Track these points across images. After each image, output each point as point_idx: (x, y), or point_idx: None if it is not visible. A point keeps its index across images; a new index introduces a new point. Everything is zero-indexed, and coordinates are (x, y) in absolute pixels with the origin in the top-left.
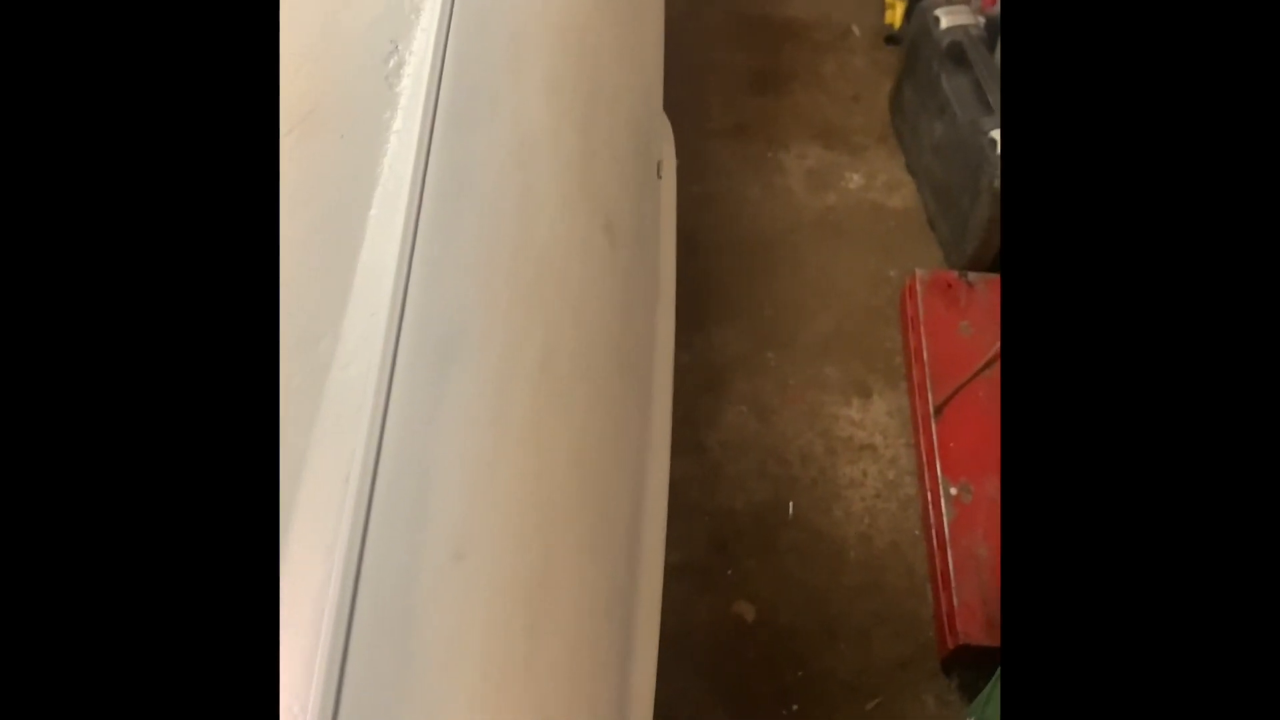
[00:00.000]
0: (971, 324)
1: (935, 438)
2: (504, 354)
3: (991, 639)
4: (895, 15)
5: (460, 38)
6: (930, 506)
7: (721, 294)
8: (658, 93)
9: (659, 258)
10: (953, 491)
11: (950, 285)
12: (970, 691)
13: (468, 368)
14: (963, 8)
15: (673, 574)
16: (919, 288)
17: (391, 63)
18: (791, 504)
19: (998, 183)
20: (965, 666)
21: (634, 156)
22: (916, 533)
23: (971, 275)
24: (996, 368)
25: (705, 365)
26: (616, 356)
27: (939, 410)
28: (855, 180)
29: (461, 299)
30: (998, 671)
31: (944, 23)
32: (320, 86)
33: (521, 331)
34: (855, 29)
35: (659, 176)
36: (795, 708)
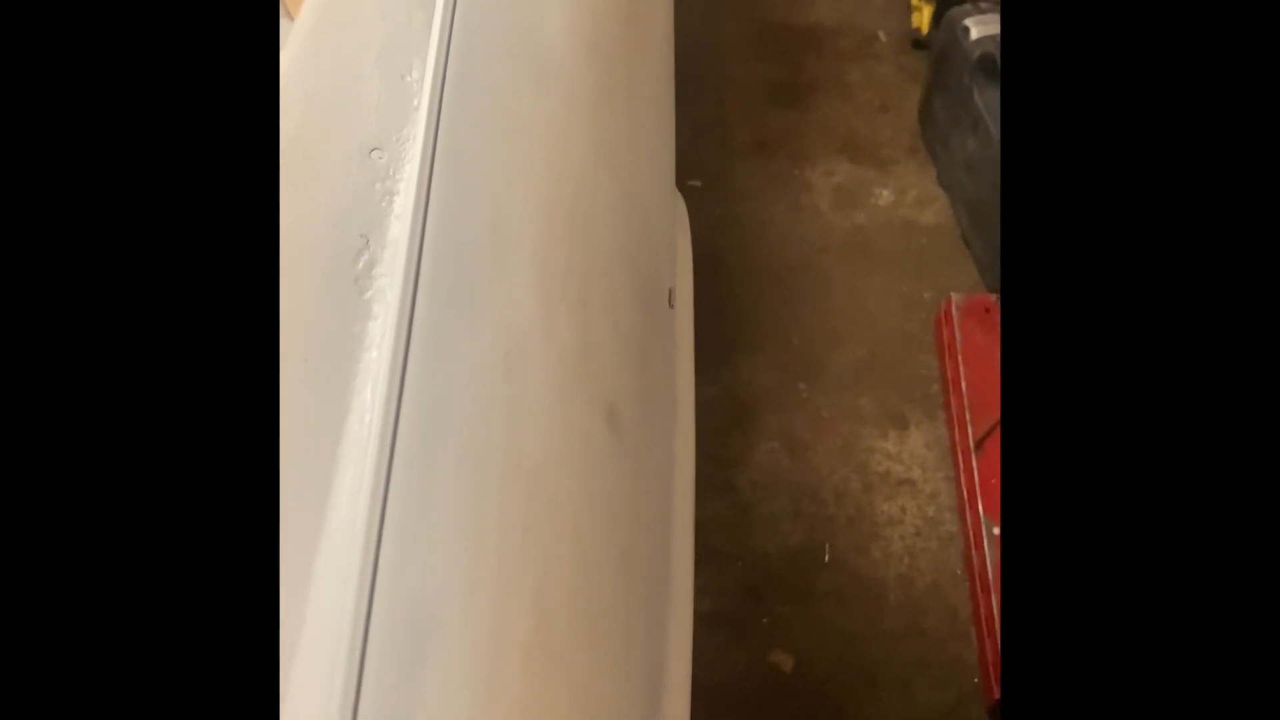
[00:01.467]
0: None
1: (976, 473)
2: (490, 625)
3: None
4: (922, 19)
5: (438, 226)
6: (972, 546)
7: (747, 321)
8: (669, 184)
9: (676, 397)
10: (995, 531)
11: (988, 309)
12: None
13: (448, 650)
14: (993, 17)
15: (705, 624)
16: (955, 312)
17: (362, 261)
18: (828, 546)
19: None
20: None
21: (639, 313)
22: (959, 572)
23: None
24: None
25: (732, 399)
26: (624, 566)
27: (979, 444)
28: (885, 196)
29: (441, 563)
30: None
31: (974, 33)
32: (283, 302)
33: (513, 587)
34: (881, 34)
35: (671, 306)
36: None
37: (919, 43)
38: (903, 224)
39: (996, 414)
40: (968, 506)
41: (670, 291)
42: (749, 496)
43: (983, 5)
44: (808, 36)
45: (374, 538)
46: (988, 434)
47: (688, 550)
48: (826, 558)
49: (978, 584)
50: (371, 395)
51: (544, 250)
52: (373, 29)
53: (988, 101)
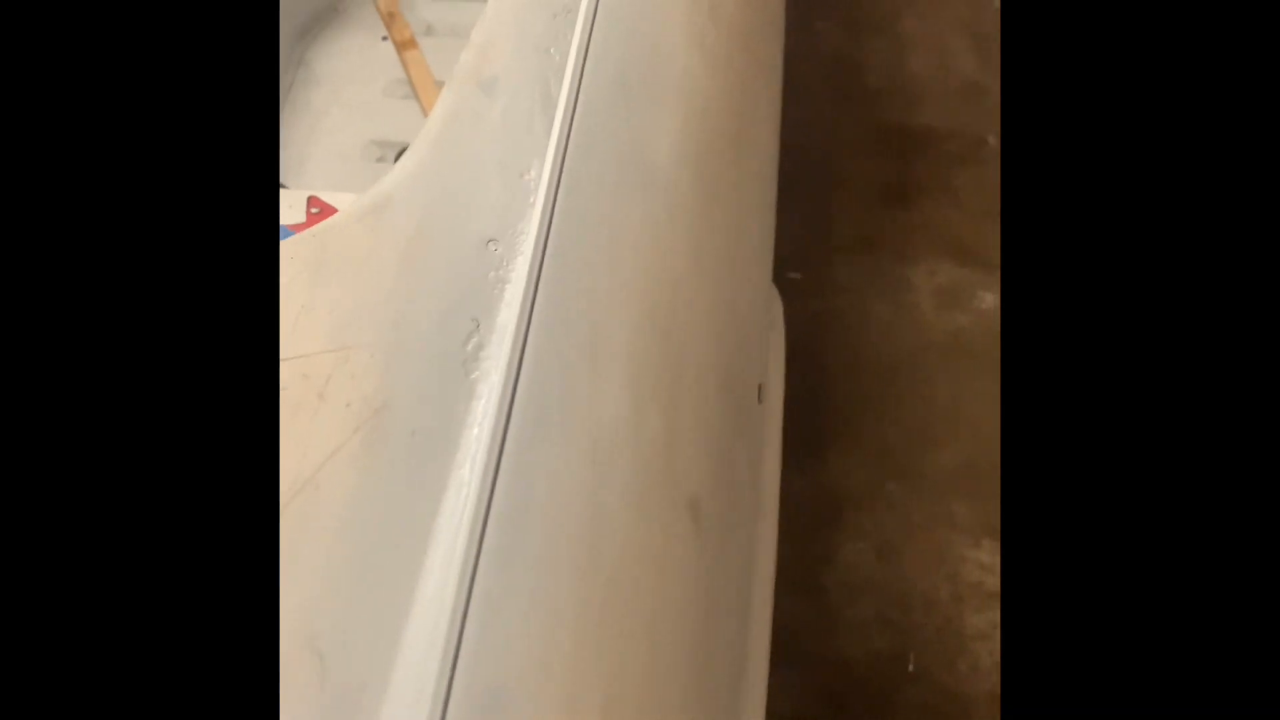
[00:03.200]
0: None
1: None
2: (560, 717)
3: None
4: None
5: (543, 317)
6: None
7: (841, 417)
8: (766, 279)
9: (761, 491)
10: None
11: None
12: None
13: None
14: None
15: None
16: None
17: (471, 344)
18: (912, 656)
19: None
20: None
21: (727, 410)
22: None
23: None
24: None
25: (822, 495)
26: (698, 665)
27: None
28: (989, 300)
29: (519, 648)
30: None
31: None
32: (396, 377)
33: (585, 682)
34: (991, 139)
35: (760, 402)
36: None
37: None
38: None
39: None
40: None
41: (760, 388)
42: (835, 598)
43: None
44: (916, 137)
45: (460, 614)
46: None
47: (764, 646)
48: (910, 668)
49: None
50: (470, 471)
51: (637, 348)
52: (496, 132)
53: None
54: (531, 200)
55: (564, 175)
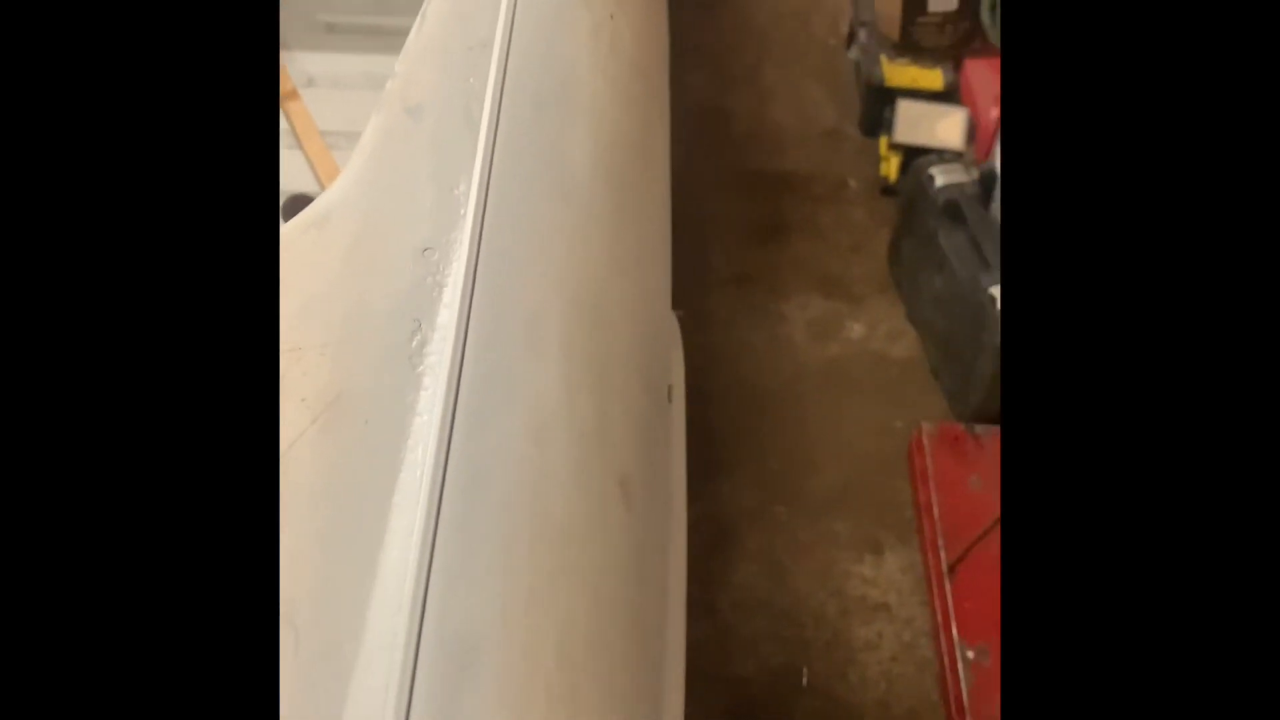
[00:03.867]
0: (981, 478)
1: (950, 598)
2: (520, 662)
3: None
4: (890, 168)
5: (480, 315)
6: (948, 671)
7: (727, 445)
8: (667, 303)
9: (670, 482)
10: (970, 655)
11: (958, 438)
12: None
13: (484, 682)
14: (956, 166)
15: None
16: (926, 441)
17: (415, 341)
18: (805, 670)
19: (999, 339)
20: None
21: (646, 400)
22: (935, 698)
23: (979, 428)
24: None
25: (714, 520)
26: (633, 624)
27: (952, 569)
28: (857, 330)
29: (479, 603)
30: None
31: (939, 181)
32: (346, 372)
33: (539, 631)
34: (852, 181)
35: (669, 401)
36: None
37: (887, 189)
38: (874, 356)
39: (968, 539)
40: (942, 631)
41: (669, 388)
42: (730, 617)
43: (946, 156)
44: (783, 181)
45: (424, 574)
46: (960, 559)
47: (680, 624)
48: (804, 681)
49: (953, 708)
50: (422, 453)
51: (568, 339)
52: (425, 152)
53: (953, 243)
54: (462, 212)
55: (491, 188)
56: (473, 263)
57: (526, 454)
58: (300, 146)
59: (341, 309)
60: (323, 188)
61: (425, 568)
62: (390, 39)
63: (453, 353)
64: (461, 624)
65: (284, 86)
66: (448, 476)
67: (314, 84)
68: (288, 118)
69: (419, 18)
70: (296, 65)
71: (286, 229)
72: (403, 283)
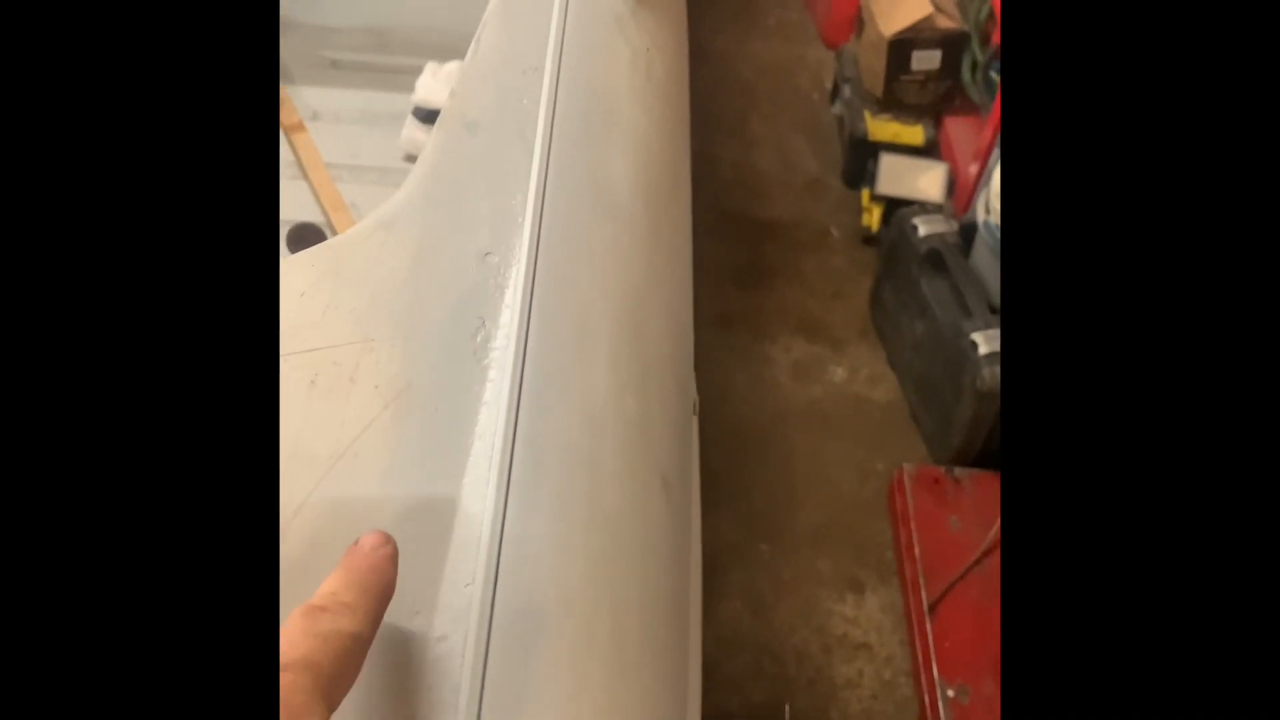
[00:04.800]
0: (960, 519)
1: (930, 637)
2: (581, 635)
3: None
4: (872, 219)
5: (538, 315)
6: (928, 709)
7: (711, 481)
8: (690, 335)
9: (692, 490)
10: (950, 693)
11: (938, 480)
12: None
13: (549, 648)
14: (938, 216)
15: None
16: (907, 482)
17: (479, 337)
18: (788, 707)
19: (980, 383)
20: None
21: (679, 407)
22: None
23: (958, 471)
24: (987, 564)
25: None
26: (671, 608)
27: (933, 608)
28: (839, 373)
29: (543, 578)
30: None
31: (922, 230)
32: (415, 363)
33: (595, 609)
34: (834, 230)
35: (694, 414)
36: None
37: (869, 239)
38: (856, 399)
39: (949, 578)
40: (923, 670)
41: (695, 403)
42: (712, 653)
43: (929, 208)
44: (767, 227)
45: (495, 551)
46: (941, 599)
47: (699, 618)
48: (787, 718)
49: None
50: (490, 439)
51: (615, 342)
52: (482, 165)
53: (934, 290)
54: (520, 220)
55: (545, 200)
56: (531, 268)
57: (582, 445)
58: (305, 177)
59: (409, 305)
60: (327, 217)
61: (496, 543)
62: (390, 76)
63: (515, 349)
64: (528, 596)
65: (290, 119)
66: (514, 461)
67: (318, 118)
68: (293, 149)
69: (473, 43)
70: (301, 99)
71: (355, 230)
72: (466, 283)
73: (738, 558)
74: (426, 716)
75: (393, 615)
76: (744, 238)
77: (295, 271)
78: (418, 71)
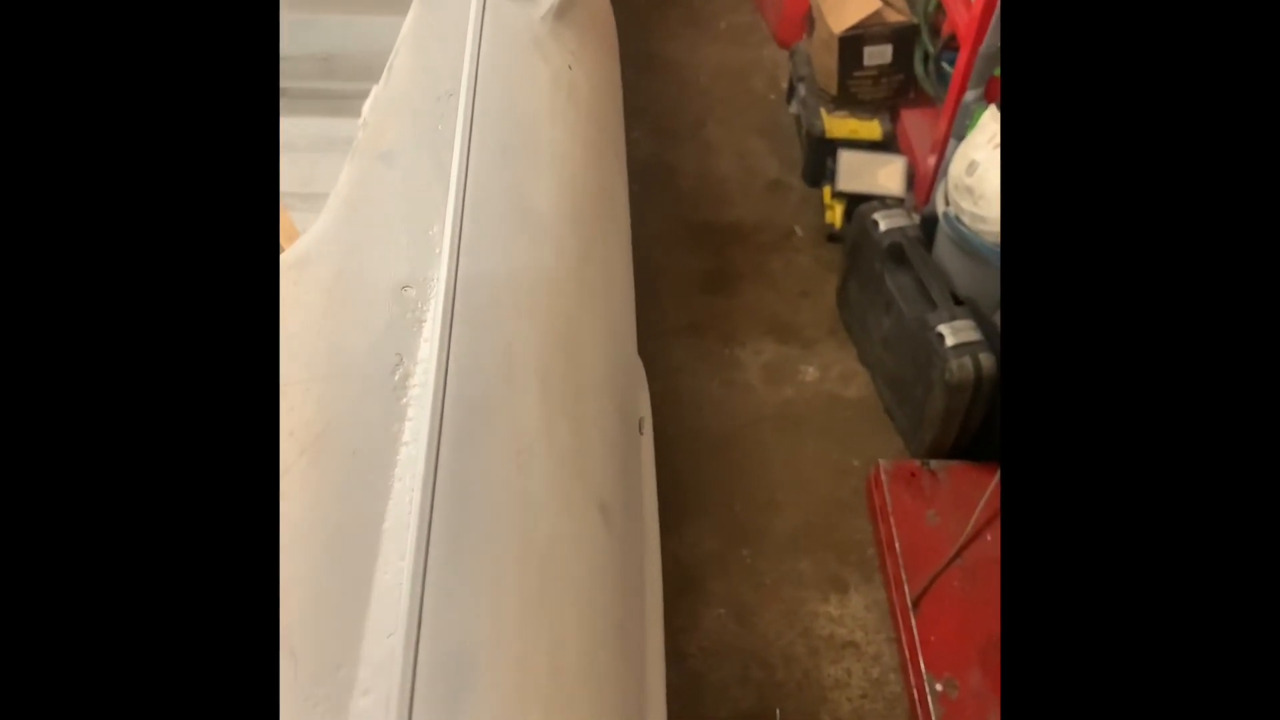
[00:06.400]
0: (938, 512)
1: (916, 632)
2: (514, 676)
3: None
4: (835, 215)
5: (459, 348)
6: (918, 705)
7: (688, 490)
8: (633, 343)
9: (643, 510)
10: (938, 688)
11: (914, 474)
12: None
13: (480, 696)
14: (899, 211)
15: None
16: (884, 478)
17: (398, 374)
18: (779, 711)
19: (948, 375)
20: None
21: (620, 429)
22: None
23: (933, 463)
24: (966, 556)
25: (679, 566)
26: (618, 638)
27: (916, 603)
28: (811, 373)
29: (472, 621)
30: None
31: (882, 226)
32: (331, 405)
33: (531, 645)
34: (798, 229)
35: (640, 433)
36: None
37: (833, 236)
38: (828, 398)
39: (930, 572)
40: (910, 665)
41: (640, 421)
42: (699, 663)
43: (889, 202)
44: (730, 231)
45: (417, 597)
46: (924, 593)
47: (658, 642)
48: None
49: None
50: (410, 481)
51: (544, 369)
52: (399, 195)
53: (898, 284)
54: (438, 251)
55: (464, 229)
56: (450, 298)
57: (510, 478)
58: None
59: (324, 345)
60: (279, 248)
61: (419, 589)
62: (339, 102)
63: (435, 383)
64: (456, 642)
65: None
66: (436, 501)
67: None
68: None
69: (386, 70)
70: None
71: None
72: (383, 318)
73: (719, 566)
74: None
75: (315, 670)
76: (708, 244)
77: None
78: (365, 95)
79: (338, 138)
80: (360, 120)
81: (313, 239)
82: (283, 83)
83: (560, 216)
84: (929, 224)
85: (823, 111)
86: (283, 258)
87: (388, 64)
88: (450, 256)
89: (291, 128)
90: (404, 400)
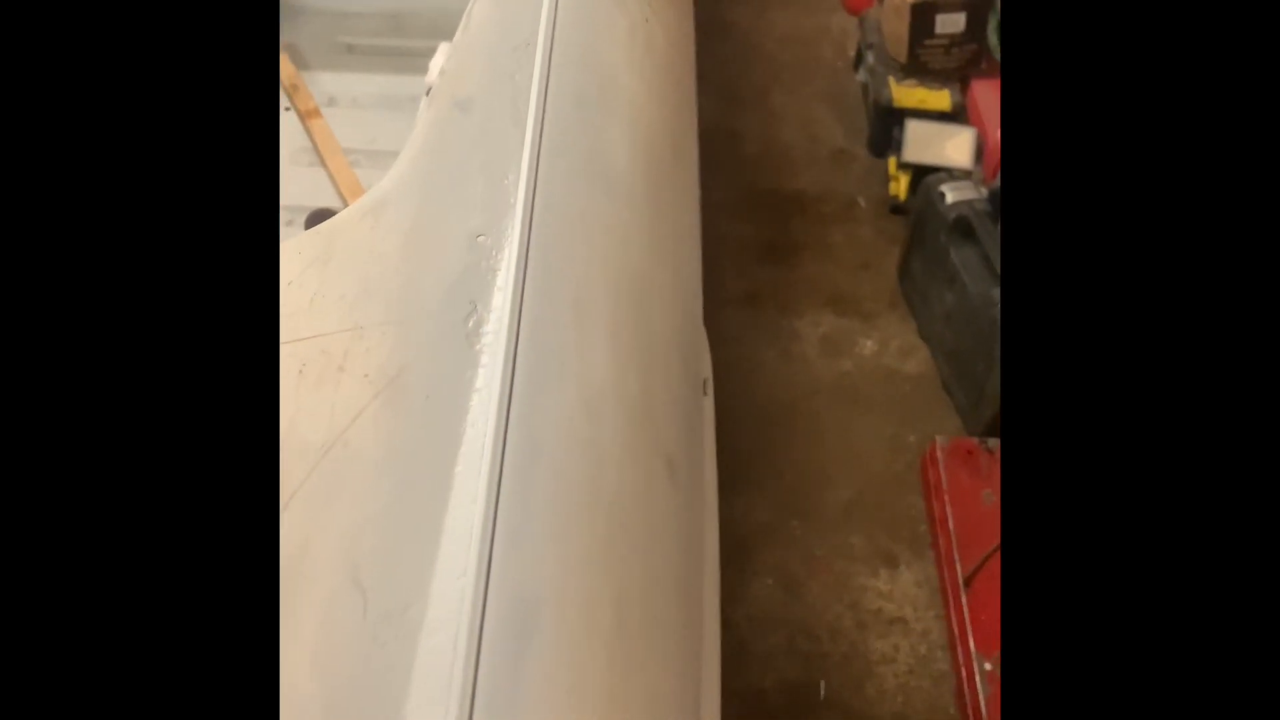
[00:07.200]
0: (994, 492)
1: (966, 610)
2: (581, 623)
3: None
4: (900, 187)
5: (532, 297)
6: (965, 683)
7: (741, 461)
8: (699, 312)
9: (704, 469)
10: (987, 667)
11: (971, 452)
12: None
13: (546, 641)
14: (966, 183)
15: None
16: (940, 455)
17: (471, 321)
18: (823, 683)
19: None
20: None
21: (686, 385)
22: (952, 711)
23: (991, 442)
24: None
25: (728, 535)
26: (679, 593)
27: (968, 582)
28: (869, 346)
29: (540, 568)
30: None
31: (949, 198)
32: (406, 349)
33: (596, 596)
34: (861, 200)
35: (705, 394)
36: None
37: (896, 208)
38: (886, 372)
39: (983, 551)
40: (959, 643)
41: (705, 381)
42: (745, 632)
43: (957, 175)
44: (793, 201)
45: (488, 538)
46: (976, 571)
47: (715, 604)
48: (822, 695)
49: None
50: (483, 427)
51: (615, 321)
52: (475, 143)
53: (963, 259)
54: (512, 200)
55: (539, 179)
56: (524, 248)
57: (580, 428)
58: (322, 163)
59: (400, 290)
60: (344, 203)
61: (489, 532)
62: (406, 59)
63: (508, 332)
64: (524, 586)
65: (307, 105)
66: (507, 447)
67: (335, 103)
68: (310, 135)
69: (464, 18)
70: (318, 85)
71: (344, 215)
72: (458, 266)
73: (769, 537)
74: (421, 705)
75: (385, 608)
76: (769, 213)
77: (282, 260)
78: (432, 53)
79: (404, 95)
80: (428, 75)
81: (390, 184)
82: (350, 39)
83: (635, 170)
84: (997, 198)
85: (891, 80)
86: (360, 202)
87: (466, 12)
88: (525, 206)
89: (358, 84)
90: (477, 347)
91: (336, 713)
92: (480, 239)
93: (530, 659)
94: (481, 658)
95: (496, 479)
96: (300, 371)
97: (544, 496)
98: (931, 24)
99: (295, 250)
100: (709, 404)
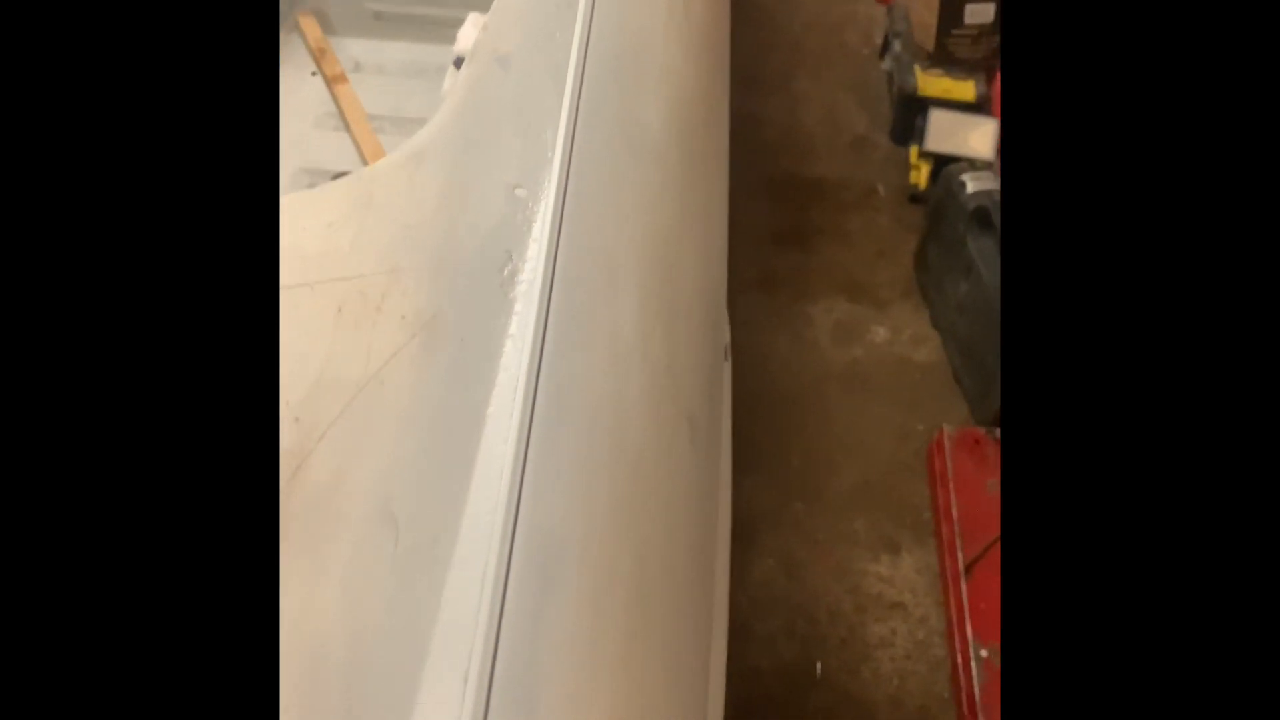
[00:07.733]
0: (999, 481)
1: (965, 598)
2: (604, 567)
3: None
4: (920, 176)
5: (565, 250)
6: (960, 669)
7: (749, 443)
8: (724, 279)
9: (721, 434)
10: (983, 654)
11: (978, 442)
12: None
13: (570, 579)
14: (987, 174)
15: None
16: (947, 444)
17: (506, 270)
18: (820, 664)
19: None
20: None
21: (709, 351)
22: (946, 696)
23: (998, 432)
24: None
25: (733, 516)
26: (695, 549)
27: (968, 569)
28: (881, 334)
29: (565, 512)
30: None
31: (970, 188)
32: (443, 294)
33: (616, 547)
34: (880, 188)
35: (725, 359)
36: None
37: (915, 197)
38: (898, 360)
39: (985, 540)
40: (956, 631)
41: (726, 347)
42: (745, 614)
43: (978, 165)
44: (812, 187)
45: (517, 480)
46: (977, 560)
47: (725, 572)
48: (818, 675)
49: (965, 707)
50: (515, 371)
51: (643, 281)
52: (514, 99)
53: (981, 249)
54: (549, 155)
55: (576, 137)
56: (560, 203)
57: (606, 382)
58: (347, 128)
59: (437, 237)
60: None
61: (519, 472)
62: (433, 27)
63: (542, 282)
64: (550, 524)
65: (333, 70)
66: (539, 392)
67: (360, 69)
68: (336, 100)
69: None
70: (344, 51)
71: (383, 163)
72: (494, 216)
73: (773, 520)
74: (449, 631)
75: (416, 540)
76: (788, 197)
77: (323, 202)
78: (460, 22)
79: (430, 64)
80: (456, 44)
81: (429, 135)
82: (376, 6)
83: (667, 133)
84: None
85: (916, 69)
86: (399, 151)
87: None
88: (561, 162)
89: (384, 52)
90: (511, 295)
91: (364, 642)
92: (518, 191)
93: (555, 595)
94: (509, 591)
95: (528, 421)
96: (339, 311)
97: (571, 442)
98: (960, 14)
99: (338, 193)
100: (729, 369)
